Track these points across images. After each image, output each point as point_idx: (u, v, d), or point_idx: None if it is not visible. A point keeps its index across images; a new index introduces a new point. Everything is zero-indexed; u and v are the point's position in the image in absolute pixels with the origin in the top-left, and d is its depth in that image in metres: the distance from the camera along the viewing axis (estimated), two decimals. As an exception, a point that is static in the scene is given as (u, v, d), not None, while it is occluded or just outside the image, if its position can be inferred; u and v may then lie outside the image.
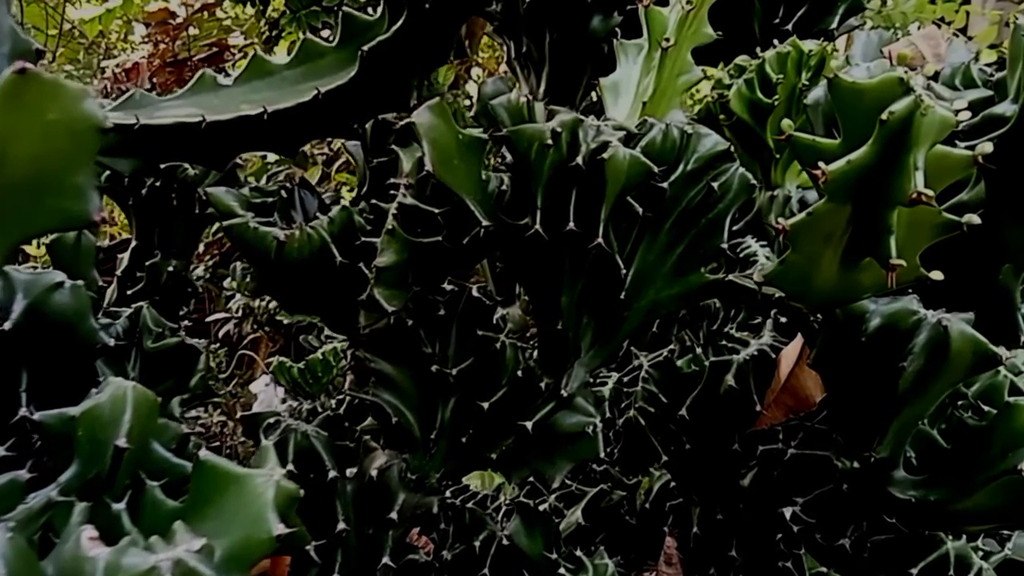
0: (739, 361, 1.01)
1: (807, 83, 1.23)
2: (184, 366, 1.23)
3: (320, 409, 1.39)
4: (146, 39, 5.90)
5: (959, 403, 0.85)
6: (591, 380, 0.96)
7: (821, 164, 0.59)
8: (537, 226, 0.80)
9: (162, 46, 5.43)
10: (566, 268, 0.86)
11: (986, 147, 0.56)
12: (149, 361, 1.23)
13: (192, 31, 5.64)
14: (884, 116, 0.55)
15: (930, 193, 0.56)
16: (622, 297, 0.92)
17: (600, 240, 0.80)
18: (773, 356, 1.01)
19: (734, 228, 1.39)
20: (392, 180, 0.86)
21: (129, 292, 1.34)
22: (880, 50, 1.53)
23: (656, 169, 0.81)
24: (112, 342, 0.87)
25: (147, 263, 1.33)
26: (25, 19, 5.57)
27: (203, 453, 0.57)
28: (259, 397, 3.82)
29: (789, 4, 1.37)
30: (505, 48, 1.92)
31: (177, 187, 1.28)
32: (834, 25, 1.36)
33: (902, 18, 3.59)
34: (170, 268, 1.32)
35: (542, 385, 0.95)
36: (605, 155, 0.78)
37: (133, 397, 0.59)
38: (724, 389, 1.00)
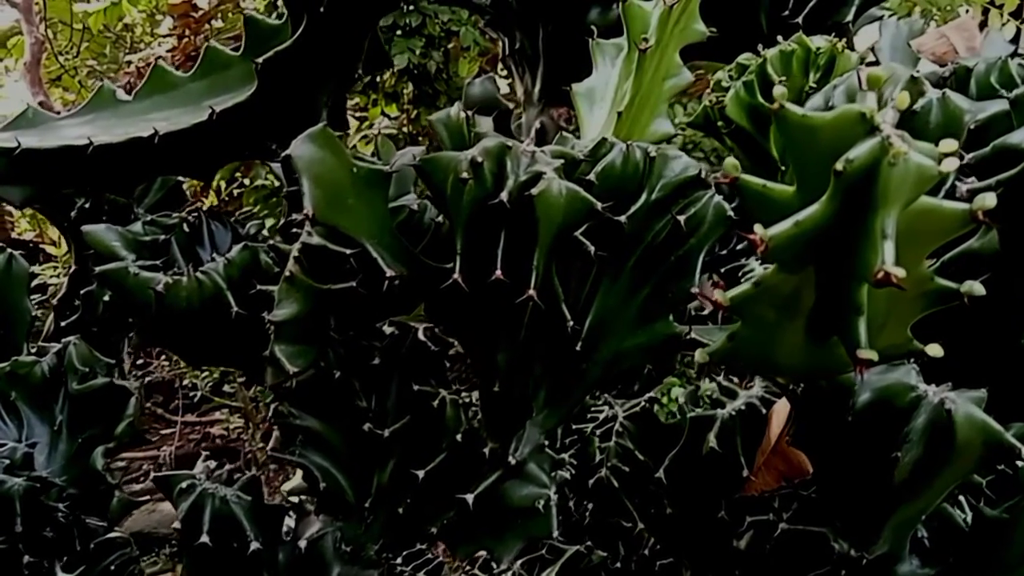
0: (724, 417, 0.86)
1: (815, 86, 1.08)
2: (112, 410, 1.11)
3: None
4: (172, 31, 5.82)
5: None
6: (541, 445, 0.82)
7: (757, 229, 0.44)
8: (456, 275, 0.66)
9: (184, 40, 5.35)
10: (500, 321, 0.71)
11: (987, 200, 0.41)
12: (76, 404, 1.11)
13: (217, 24, 5.54)
14: (839, 166, 0.41)
15: (901, 274, 0.40)
16: (578, 348, 0.78)
17: (532, 293, 0.66)
18: (764, 411, 0.86)
19: (737, 248, 1.25)
20: (295, 216, 0.72)
21: (64, 323, 1.22)
22: (908, 42, 1.36)
23: (599, 205, 0.66)
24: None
25: (83, 291, 1.20)
26: (49, 12, 5.53)
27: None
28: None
29: (799, -6, 1.20)
30: (500, 44, 1.77)
31: (108, 208, 1.15)
32: (850, 18, 1.20)
33: (949, 1, 3.37)
34: (106, 297, 1.19)
35: (486, 451, 0.81)
36: (534, 190, 0.64)
37: None
38: (707, 451, 0.85)
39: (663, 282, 0.77)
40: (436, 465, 0.83)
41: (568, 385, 0.81)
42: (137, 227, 0.80)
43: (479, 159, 0.65)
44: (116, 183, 0.87)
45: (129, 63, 5.64)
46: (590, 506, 0.98)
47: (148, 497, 4.41)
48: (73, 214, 1.18)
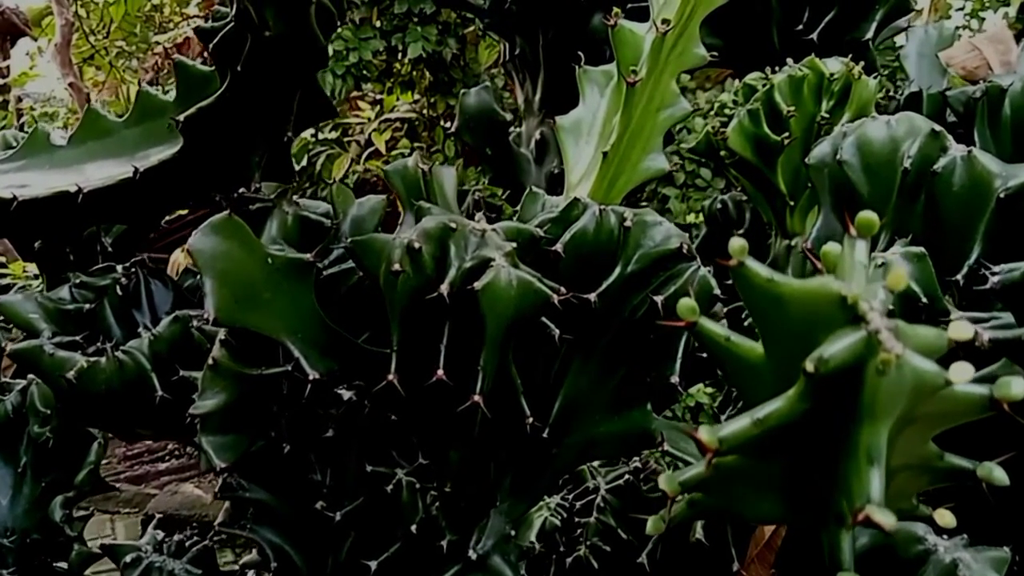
0: (713, 503, 0.78)
1: (827, 115, 0.98)
2: (73, 455, 1.04)
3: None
4: (201, 11, 5.77)
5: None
6: (507, 535, 0.74)
7: (702, 433, 0.35)
8: (391, 375, 0.58)
9: (210, 20, 5.28)
10: (449, 419, 0.63)
11: (1013, 388, 0.31)
12: (40, 446, 1.05)
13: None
14: (809, 365, 0.31)
15: (889, 524, 0.31)
16: (546, 435, 0.70)
17: (478, 399, 0.57)
18: (758, 496, 0.77)
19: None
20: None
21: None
22: (936, 53, 1.26)
23: (556, 297, 0.58)
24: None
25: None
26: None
27: None
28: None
29: (815, 7, 1.10)
30: (501, 48, 1.69)
31: (73, 238, 1.08)
32: (870, 34, 1.09)
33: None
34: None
35: (444, 544, 0.73)
36: (478, 284, 0.55)
37: None
38: (693, 541, 0.77)
39: (640, 365, 0.68)
40: (391, 555, 0.75)
41: (536, 471, 0.73)
42: (63, 292, 0.72)
43: (416, 244, 0.57)
44: (49, 233, 0.80)
45: (158, 43, 5.59)
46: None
47: (172, 478, 4.40)
48: (37, 244, 1.12)
